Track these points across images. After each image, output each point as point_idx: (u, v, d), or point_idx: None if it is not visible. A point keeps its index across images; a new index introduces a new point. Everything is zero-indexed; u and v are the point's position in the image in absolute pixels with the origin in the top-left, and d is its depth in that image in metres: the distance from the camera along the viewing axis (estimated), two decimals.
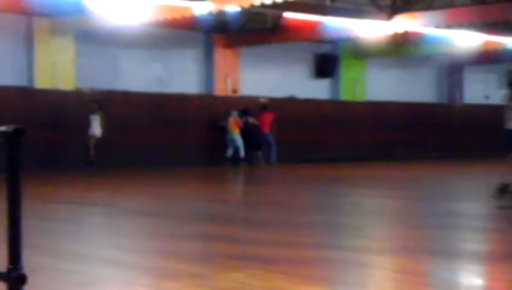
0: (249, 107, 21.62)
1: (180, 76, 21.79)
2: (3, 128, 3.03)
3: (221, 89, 22.40)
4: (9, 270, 2.92)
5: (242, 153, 20.97)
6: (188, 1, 16.46)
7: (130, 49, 20.60)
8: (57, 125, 18.84)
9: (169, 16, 17.11)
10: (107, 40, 19.67)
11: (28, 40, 18.86)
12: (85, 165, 18.51)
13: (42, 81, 18.96)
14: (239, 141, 20.90)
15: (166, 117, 20.76)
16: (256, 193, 13.54)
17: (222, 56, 22.38)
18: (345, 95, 25.45)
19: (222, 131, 21.14)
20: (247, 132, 21.24)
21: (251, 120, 21.54)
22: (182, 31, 21.04)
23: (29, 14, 18.50)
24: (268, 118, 21.92)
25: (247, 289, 4.93)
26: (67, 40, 19.29)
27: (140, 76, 20.92)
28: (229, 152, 20.98)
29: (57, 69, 19.14)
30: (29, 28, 18.84)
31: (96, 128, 18.73)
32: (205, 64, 22.38)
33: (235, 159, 20.89)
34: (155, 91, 20.90)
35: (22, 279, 2.92)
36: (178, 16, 16.99)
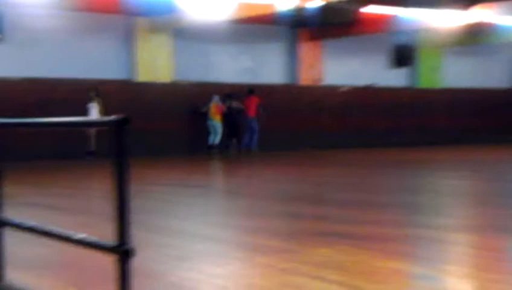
0: (236, 91, 19.91)
1: (267, 68, 21.84)
2: (111, 117, 3.07)
3: (305, 78, 22.38)
4: (119, 244, 2.95)
5: (218, 140, 19.20)
6: None
7: (221, 44, 20.75)
8: (157, 115, 19.17)
9: (255, 13, 17.18)
10: (201, 36, 19.88)
11: (130, 39, 19.25)
12: (84, 155, 17.08)
13: (143, 75, 19.34)
14: (219, 128, 19.16)
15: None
16: (338, 175, 13.42)
17: (306, 48, 22.37)
18: (423, 83, 24.96)
19: (204, 117, 19.33)
20: (230, 117, 19.60)
21: (235, 104, 19.78)
22: (268, 26, 21.07)
23: (130, 14, 18.86)
24: (254, 102, 19.91)
25: (334, 263, 4.88)
26: (165, 38, 19.61)
27: (231, 68, 21.07)
28: (211, 139, 19.29)
29: (156, 64, 19.48)
30: (130, 27, 19.23)
31: (94, 116, 16.77)
32: (290, 56, 22.37)
33: (213, 146, 19.08)
34: (244, 81, 21.01)
35: (130, 252, 2.95)
36: (265, 12, 17.03)
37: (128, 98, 18.54)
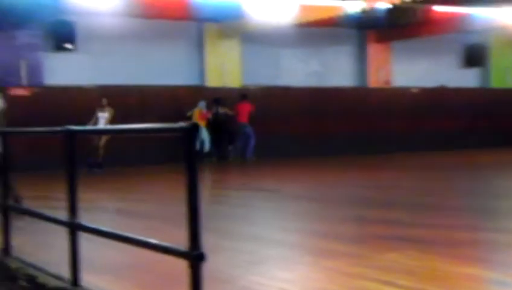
0: (223, 96, 18.67)
1: (336, 70, 21.76)
2: (182, 124, 3.17)
3: (374, 81, 22.20)
4: (191, 249, 3.04)
5: (207, 146, 18.01)
6: (340, 1, 16.40)
7: (289, 48, 20.79)
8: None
9: (323, 16, 17.16)
10: (269, 41, 19.97)
11: (200, 44, 19.52)
12: (88, 167, 15.03)
13: (212, 80, 19.57)
14: (204, 134, 17.83)
15: (324, 109, 20.77)
16: (407, 179, 13.26)
17: (374, 50, 22.18)
18: (494, 83, 24.38)
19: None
20: (216, 124, 18.41)
21: (222, 110, 18.47)
22: (336, 29, 20.98)
23: (200, 20, 19.12)
24: (246, 108, 18.57)
25: (403, 268, 4.86)
26: (233, 42, 19.79)
27: (299, 72, 21.09)
28: (198, 146, 17.36)
29: (225, 69, 19.69)
30: (200, 33, 19.50)
31: (102, 126, 14.76)
32: (359, 58, 22.23)
33: (200, 153, 17.37)
34: (313, 85, 21.00)
35: (201, 257, 3.04)
36: (332, 15, 17.00)
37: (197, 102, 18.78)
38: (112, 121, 15.29)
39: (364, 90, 22.00)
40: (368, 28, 21.57)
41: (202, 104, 18.03)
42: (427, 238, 6.10)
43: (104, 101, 15.73)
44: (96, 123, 15.49)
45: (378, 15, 19.66)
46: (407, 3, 16.80)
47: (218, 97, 18.52)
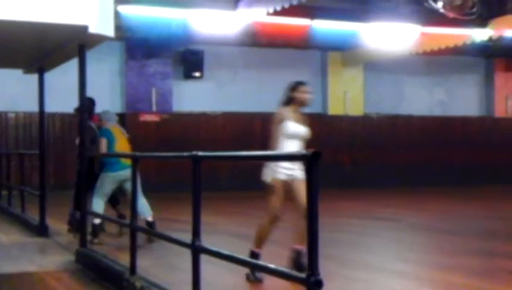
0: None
1: (461, 99, 21.21)
2: (304, 151, 3.21)
3: (501, 110, 21.44)
4: (309, 275, 3.06)
5: None
6: (468, 29, 16.03)
7: (412, 76, 20.49)
8: (351, 148, 19.29)
9: (447, 44, 16.82)
10: (392, 69, 19.79)
11: (323, 72, 19.61)
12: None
13: (334, 108, 19.57)
14: None
15: (448, 138, 20.29)
16: None
17: (502, 79, 21.46)
18: None
19: None
20: None
21: None
22: (461, 57, 20.49)
23: (323, 49, 19.23)
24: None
25: None
26: (356, 71, 19.75)
27: (423, 101, 20.71)
28: None
29: (348, 97, 19.65)
30: (323, 61, 19.60)
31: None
32: (485, 87, 21.56)
33: None
34: (437, 114, 20.57)
35: (319, 284, 3.05)
36: (456, 43, 16.65)
37: (321, 131, 18.86)
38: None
39: (491, 119, 21.29)
40: (495, 56, 20.94)
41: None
42: None
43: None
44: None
45: (506, 43, 19.05)
46: None
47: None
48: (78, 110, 7.57)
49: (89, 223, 7.67)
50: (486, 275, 5.95)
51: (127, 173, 7.60)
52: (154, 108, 17.36)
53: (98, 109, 8.92)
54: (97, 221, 8.05)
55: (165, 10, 14.73)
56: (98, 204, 8.07)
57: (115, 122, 8.55)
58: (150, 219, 8.08)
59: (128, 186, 7.81)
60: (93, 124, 8.64)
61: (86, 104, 7.48)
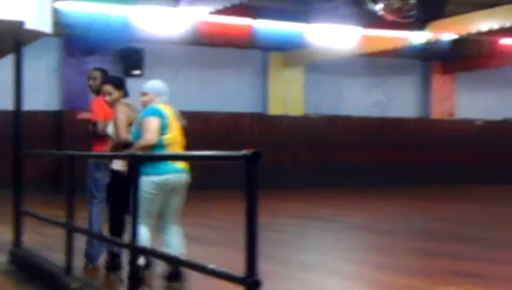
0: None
1: (399, 101, 21.59)
2: (243, 152, 3.21)
3: (437, 112, 21.93)
4: (247, 275, 3.07)
5: None
6: (405, 31, 16.33)
7: (352, 78, 20.76)
8: (291, 148, 19.40)
9: (387, 46, 17.13)
10: (333, 70, 20.01)
11: (264, 72, 19.68)
12: None
13: (275, 108, 19.67)
14: None
15: (386, 139, 20.63)
16: (470, 211, 12.99)
17: (439, 82, 21.95)
18: None
19: None
20: None
21: None
22: (400, 59, 20.87)
23: (264, 49, 19.29)
24: None
25: None
26: (297, 71, 19.89)
27: (362, 102, 21.00)
28: None
29: (288, 97, 19.77)
30: (264, 61, 19.67)
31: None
32: (423, 89, 22.01)
33: None
34: (376, 116, 20.88)
35: (258, 284, 3.06)
36: (396, 45, 16.97)
37: (261, 131, 18.91)
38: None
39: (428, 121, 21.75)
40: (433, 59, 21.39)
41: None
42: (489, 273, 5.97)
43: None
44: None
45: (444, 46, 19.49)
46: (472, 35, 16.58)
47: None
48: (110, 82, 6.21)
49: (102, 251, 6.16)
50: (424, 275, 6.07)
51: (179, 178, 5.43)
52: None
53: (33, 107, 8.72)
54: (142, 261, 5.12)
55: (104, 7, 14.51)
56: (141, 233, 4.96)
57: (167, 100, 5.83)
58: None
59: (174, 202, 5.49)
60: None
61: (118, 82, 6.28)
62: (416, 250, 7.70)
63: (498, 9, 15.30)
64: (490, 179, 20.72)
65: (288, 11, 16.77)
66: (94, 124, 6.45)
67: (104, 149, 6.19)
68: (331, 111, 20.31)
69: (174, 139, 5.56)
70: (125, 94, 6.26)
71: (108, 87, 6.12)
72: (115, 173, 5.73)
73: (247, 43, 18.58)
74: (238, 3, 13.36)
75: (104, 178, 6.09)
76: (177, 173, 5.40)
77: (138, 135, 5.39)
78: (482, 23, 15.57)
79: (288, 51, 19.26)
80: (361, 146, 20.14)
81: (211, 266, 3.49)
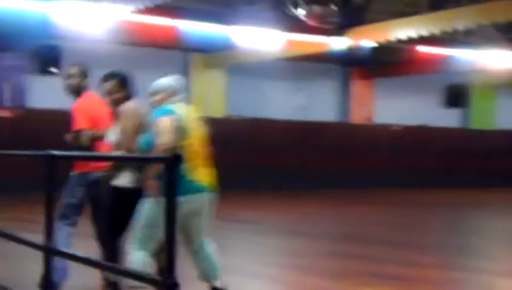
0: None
1: (320, 105, 21.92)
2: (166, 154, 3.18)
3: (357, 117, 22.37)
4: (165, 278, 3.03)
5: None
6: (326, 37, 16.60)
7: (274, 81, 20.92)
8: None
9: (310, 51, 17.38)
10: (255, 73, 20.11)
11: (185, 73, 19.58)
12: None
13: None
14: None
15: (308, 143, 20.86)
16: (387, 214, 13.30)
17: (358, 87, 22.40)
18: (476, 124, 24.66)
19: None
20: None
21: None
22: (322, 64, 21.19)
23: (187, 50, 19.21)
24: None
25: None
26: (219, 73, 19.89)
27: (284, 105, 21.19)
28: None
29: (209, 99, 19.72)
30: (186, 62, 19.58)
31: None
32: (342, 94, 22.42)
33: None
34: (298, 119, 21.10)
35: (175, 286, 3.03)
36: (319, 50, 17.24)
37: None
38: None
39: (348, 125, 22.14)
40: (353, 65, 21.82)
41: None
42: (404, 275, 6.11)
43: None
44: None
45: (364, 53, 19.92)
46: (392, 42, 17.00)
47: None
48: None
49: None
50: (339, 277, 6.16)
51: (200, 201, 4.68)
52: (7, 103, 16.64)
53: None
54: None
55: (22, 2, 14.14)
56: (136, 258, 4.39)
57: (183, 99, 4.96)
58: (217, 283, 4.91)
59: (195, 224, 4.80)
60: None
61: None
62: (332, 252, 7.82)
63: (415, 18, 15.76)
64: (408, 183, 21.25)
65: (212, 13, 16.78)
66: (77, 133, 5.47)
67: (91, 165, 5.23)
68: (254, 114, 20.40)
69: (193, 147, 4.66)
70: (130, 94, 5.28)
71: (109, 85, 5.14)
72: (119, 191, 4.75)
73: (169, 43, 18.46)
74: (162, 3, 13.26)
75: (82, 198, 5.21)
76: (198, 193, 4.52)
77: (149, 143, 4.42)
78: (400, 31, 16.00)
79: (210, 53, 19.24)
80: (284, 149, 20.29)
81: (122, 267, 3.44)
